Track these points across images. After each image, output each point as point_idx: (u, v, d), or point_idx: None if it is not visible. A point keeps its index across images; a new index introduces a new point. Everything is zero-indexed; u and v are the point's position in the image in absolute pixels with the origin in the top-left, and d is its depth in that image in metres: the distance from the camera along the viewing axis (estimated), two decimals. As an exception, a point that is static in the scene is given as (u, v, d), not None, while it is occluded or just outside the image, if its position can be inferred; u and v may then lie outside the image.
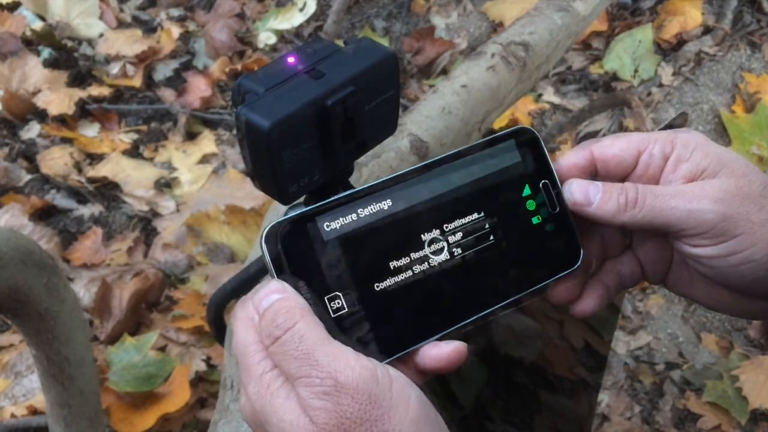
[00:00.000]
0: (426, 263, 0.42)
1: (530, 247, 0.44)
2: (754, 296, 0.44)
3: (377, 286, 0.41)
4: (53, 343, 0.81)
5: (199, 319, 1.46)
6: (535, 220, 0.45)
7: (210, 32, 2.20)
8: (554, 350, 0.82)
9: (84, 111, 1.99)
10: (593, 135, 1.84)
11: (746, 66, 1.95)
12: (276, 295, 0.38)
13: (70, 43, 2.17)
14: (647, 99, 1.92)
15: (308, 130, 0.40)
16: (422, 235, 0.42)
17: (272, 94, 0.40)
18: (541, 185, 0.45)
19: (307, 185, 0.42)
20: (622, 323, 1.49)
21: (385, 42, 2.15)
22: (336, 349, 0.36)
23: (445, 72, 2.07)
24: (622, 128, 1.83)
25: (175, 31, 2.22)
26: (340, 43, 0.45)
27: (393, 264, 0.41)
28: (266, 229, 0.39)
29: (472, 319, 0.42)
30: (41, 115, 1.95)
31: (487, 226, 0.43)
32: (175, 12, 2.32)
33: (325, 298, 0.40)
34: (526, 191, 0.45)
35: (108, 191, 1.80)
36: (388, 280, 0.41)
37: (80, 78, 2.09)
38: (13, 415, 1.33)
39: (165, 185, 1.82)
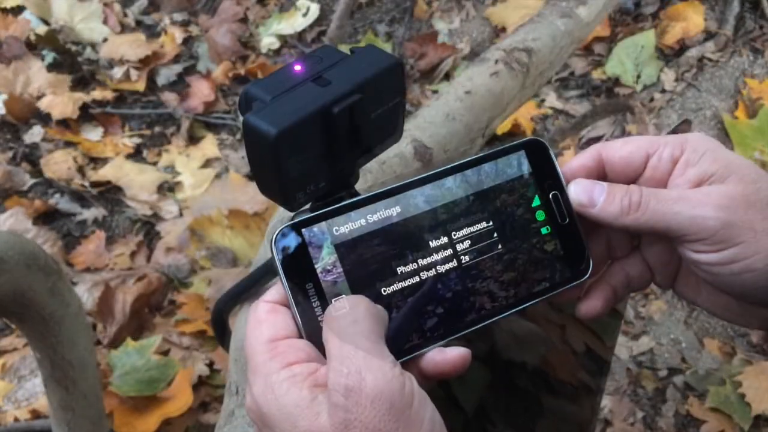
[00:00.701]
0: (433, 270, 0.42)
1: (539, 258, 0.44)
2: (758, 305, 0.44)
3: (384, 291, 0.41)
4: (57, 347, 0.81)
5: (201, 322, 1.46)
6: (544, 231, 0.45)
7: (213, 36, 2.21)
8: (556, 354, 0.82)
9: (87, 115, 1.99)
10: (596, 140, 1.84)
11: (749, 71, 1.95)
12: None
13: (73, 47, 2.17)
14: (650, 104, 1.92)
15: (315, 138, 0.41)
16: (430, 243, 0.42)
17: (279, 102, 0.40)
18: (551, 196, 0.45)
19: (313, 192, 0.43)
20: (624, 328, 1.49)
21: (387, 47, 2.16)
22: (378, 347, 0.36)
23: (447, 77, 2.07)
24: (624, 133, 1.83)
25: (179, 35, 2.22)
26: (343, 47, 0.46)
27: (400, 269, 0.42)
28: (276, 231, 0.40)
29: (476, 327, 0.43)
30: (44, 119, 1.95)
31: (495, 235, 0.44)
32: (179, 16, 2.33)
33: (333, 301, 0.40)
34: (536, 202, 0.45)
35: (111, 195, 1.80)
36: (395, 285, 0.41)
37: (83, 82, 2.09)
38: (16, 419, 1.33)
39: (168, 189, 1.82)
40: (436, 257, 0.42)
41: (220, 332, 0.77)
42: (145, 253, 1.67)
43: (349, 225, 0.41)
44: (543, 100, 1.99)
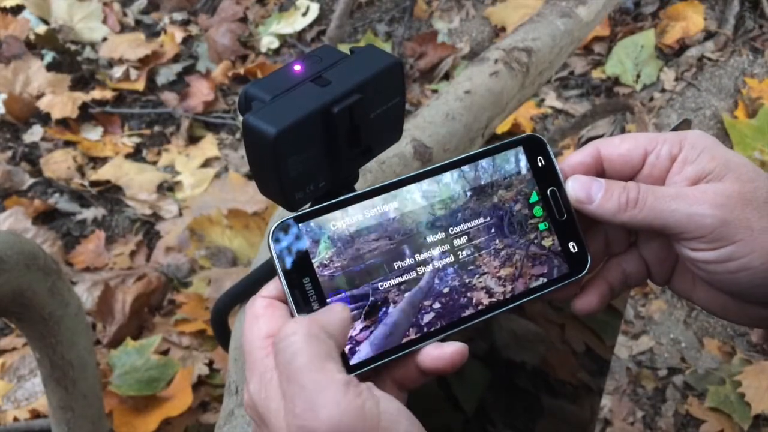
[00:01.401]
0: (431, 265, 0.42)
1: (536, 253, 0.45)
2: (754, 303, 0.44)
3: (381, 285, 0.41)
4: (57, 347, 0.81)
5: (201, 322, 1.46)
6: (542, 227, 0.45)
7: (213, 36, 2.21)
8: (556, 354, 0.82)
9: (87, 114, 1.99)
10: (595, 139, 1.84)
11: (748, 71, 1.95)
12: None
13: (73, 47, 2.17)
14: (649, 104, 1.92)
15: (314, 138, 0.41)
16: (428, 238, 0.42)
17: (278, 102, 0.40)
18: (548, 193, 0.45)
19: (313, 192, 0.43)
20: (624, 328, 1.49)
21: (387, 47, 2.16)
22: (327, 377, 0.35)
23: (447, 76, 2.07)
24: (624, 133, 1.83)
25: (178, 34, 2.22)
26: (342, 47, 0.46)
27: (398, 264, 0.42)
28: (274, 226, 0.40)
29: (474, 322, 0.43)
30: (44, 119, 1.95)
31: (493, 230, 0.44)
32: (178, 16, 2.33)
33: (330, 295, 0.40)
34: (534, 198, 0.45)
35: (110, 195, 1.80)
36: (392, 279, 0.41)
37: (83, 81, 2.09)
38: (15, 419, 1.33)
39: (167, 189, 1.82)
40: (433, 252, 0.42)
41: (219, 332, 0.77)
42: (145, 253, 1.66)
43: (347, 220, 0.41)
44: (543, 100, 1.99)
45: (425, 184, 0.43)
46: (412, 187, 0.43)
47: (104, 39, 2.19)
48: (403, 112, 0.46)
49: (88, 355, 0.86)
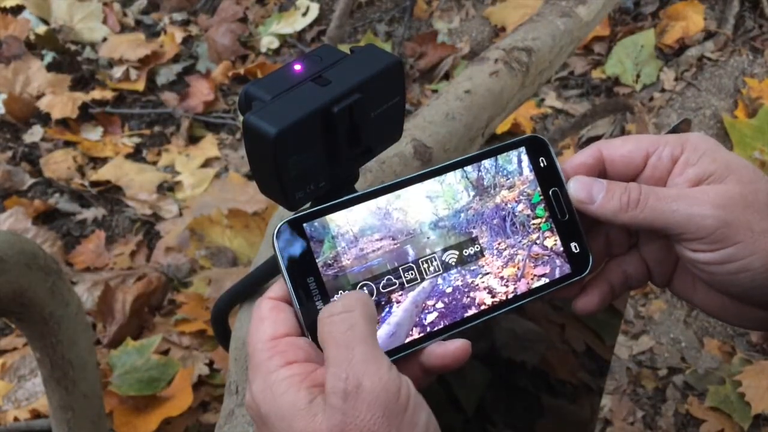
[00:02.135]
0: (433, 265, 0.42)
1: (539, 254, 0.45)
2: (753, 305, 0.44)
3: (385, 285, 0.41)
4: (57, 347, 0.81)
5: (201, 322, 1.46)
6: (544, 227, 0.45)
7: (213, 36, 2.21)
8: (556, 354, 0.82)
9: (87, 114, 1.99)
10: (595, 140, 1.85)
11: (748, 71, 1.95)
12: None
13: (73, 47, 2.17)
14: (649, 104, 1.92)
15: (314, 137, 0.41)
16: (431, 238, 0.43)
17: (279, 102, 0.40)
18: (551, 193, 0.45)
19: (313, 191, 0.43)
20: (624, 328, 1.49)
21: (387, 47, 2.16)
22: (375, 351, 0.37)
23: (447, 76, 2.07)
24: (624, 133, 1.83)
25: (178, 35, 2.22)
26: (342, 47, 0.46)
27: (401, 264, 0.42)
28: (278, 225, 0.40)
29: (477, 322, 0.43)
30: (44, 119, 1.95)
31: (495, 231, 0.44)
32: (178, 16, 2.33)
33: (333, 295, 0.40)
34: (536, 198, 0.45)
35: (111, 195, 1.80)
36: (396, 279, 0.42)
37: (83, 82, 2.09)
38: (16, 419, 1.33)
39: (168, 189, 1.82)
40: (436, 252, 0.42)
41: (220, 332, 0.77)
42: (145, 253, 1.67)
43: (350, 220, 0.41)
44: (543, 100, 1.99)
45: (428, 184, 0.43)
46: (416, 187, 0.43)
47: (104, 39, 2.19)
48: (403, 112, 0.46)
49: (89, 355, 0.86)
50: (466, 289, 0.43)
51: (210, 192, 1.78)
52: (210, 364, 1.41)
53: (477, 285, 0.43)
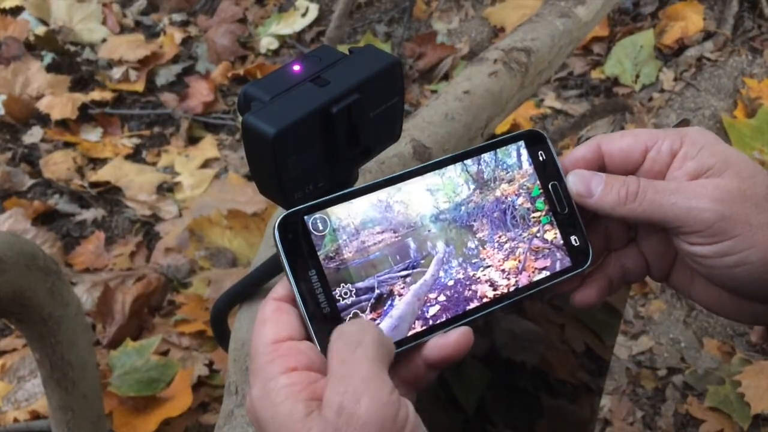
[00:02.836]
0: (435, 258, 0.42)
1: (539, 247, 0.45)
2: (751, 299, 0.44)
3: (386, 278, 0.41)
4: (56, 348, 0.81)
5: (201, 323, 1.46)
6: (544, 220, 0.45)
7: (212, 37, 2.21)
8: (556, 354, 0.82)
9: (86, 115, 1.99)
10: (594, 140, 1.84)
11: (747, 71, 1.95)
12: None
13: (72, 48, 2.17)
14: (648, 104, 1.92)
15: (313, 138, 0.41)
16: (432, 231, 0.43)
17: (278, 102, 0.40)
18: (550, 186, 0.45)
19: (312, 192, 0.43)
20: (624, 328, 1.49)
21: (386, 47, 2.16)
22: (379, 374, 0.36)
23: (446, 77, 2.07)
24: (623, 133, 1.83)
25: (178, 35, 2.22)
26: (342, 47, 0.46)
27: (403, 257, 0.42)
28: (279, 219, 0.40)
29: (479, 315, 0.43)
30: (44, 120, 1.95)
31: (496, 224, 0.44)
32: (178, 17, 2.33)
33: (335, 288, 0.40)
34: (536, 191, 0.45)
35: (110, 195, 1.80)
36: (397, 272, 0.42)
37: (83, 82, 2.09)
38: (15, 420, 1.33)
39: (167, 190, 1.82)
40: (437, 245, 0.43)
41: (219, 332, 0.77)
42: (145, 254, 1.66)
43: (352, 212, 0.41)
44: (542, 100, 1.99)
45: (429, 178, 0.43)
46: (416, 180, 0.43)
47: (104, 40, 2.19)
48: (401, 112, 0.46)
49: (88, 355, 0.86)
50: (467, 282, 0.43)
51: (209, 193, 1.78)
52: (209, 364, 1.41)
53: (479, 278, 0.43)
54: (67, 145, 1.91)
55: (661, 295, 1.56)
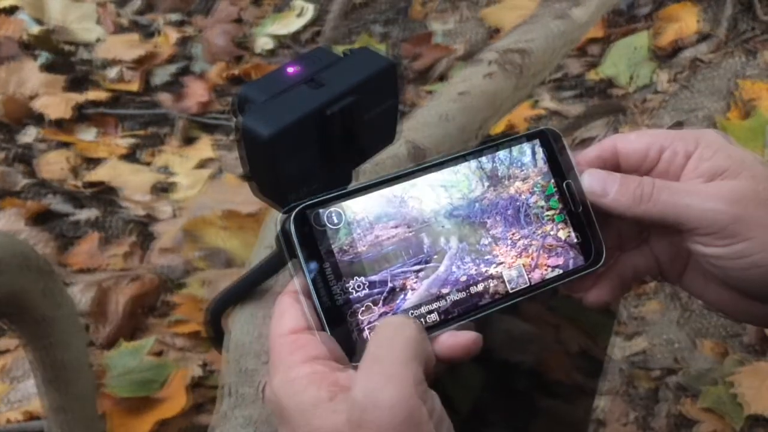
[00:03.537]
0: (448, 253, 0.43)
1: (553, 245, 0.45)
2: (765, 302, 0.44)
3: (399, 272, 0.42)
4: (50, 349, 0.81)
5: (196, 324, 1.46)
6: (558, 218, 0.45)
7: (208, 37, 2.21)
8: (551, 355, 0.82)
9: (82, 115, 1.99)
10: (589, 141, 1.85)
11: (742, 73, 1.96)
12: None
13: (68, 48, 2.17)
14: (643, 105, 1.92)
15: (308, 140, 0.41)
16: (445, 226, 0.43)
17: (272, 104, 0.40)
18: (564, 185, 0.46)
19: (307, 194, 0.43)
20: (618, 329, 1.50)
21: (383, 48, 2.16)
22: (412, 365, 0.37)
23: (442, 78, 2.08)
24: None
25: (174, 35, 2.22)
26: (338, 48, 0.46)
27: (416, 251, 0.42)
28: (295, 211, 0.40)
29: (490, 311, 0.43)
30: (39, 119, 1.95)
31: (509, 221, 0.44)
32: (174, 17, 2.33)
33: (349, 280, 0.40)
34: (550, 190, 0.45)
35: (105, 196, 1.80)
36: (410, 266, 0.42)
37: (78, 82, 2.09)
38: (9, 421, 1.32)
39: (163, 190, 1.82)
40: (451, 240, 0.43)
41: (214, 333, 0.77)
42: (140, 254, 1.66)
43: (366, 206, 0.41)
44: (537, 101, 1.99)
45: (443, 173, 0.43)
46: (430, 175, 0.43)
47: (99, 40, 2.19)
48: (397, 114, 0.46)
49: (82, 356, 0.86)
50: (480, 278, 0.43)
51: (205, 193, 1.78)
52: (205, 365, 1.41)
53: (491, 274, 0.43)
54: (63, 144, 1.90)
55: (655, 296, 1.56)
